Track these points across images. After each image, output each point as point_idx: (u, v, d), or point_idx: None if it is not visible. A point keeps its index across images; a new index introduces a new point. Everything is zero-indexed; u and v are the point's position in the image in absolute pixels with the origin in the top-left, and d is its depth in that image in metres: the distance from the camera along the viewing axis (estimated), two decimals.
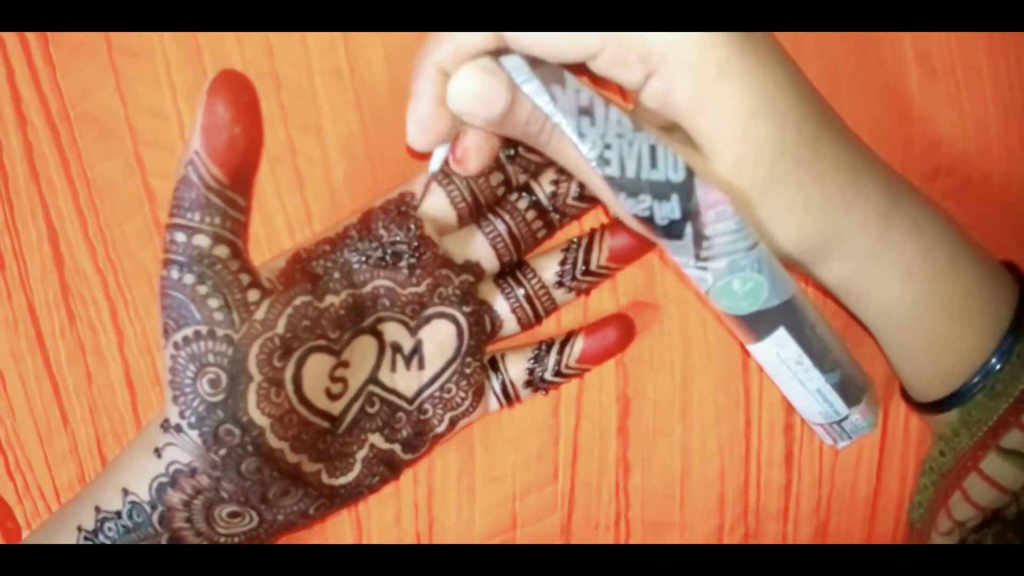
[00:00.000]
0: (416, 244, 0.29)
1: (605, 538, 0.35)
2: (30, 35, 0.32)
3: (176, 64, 0.31)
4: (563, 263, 0.32)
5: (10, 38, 0.32)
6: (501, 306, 0.32)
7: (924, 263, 0.28)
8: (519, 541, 0.35)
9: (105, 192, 0.32)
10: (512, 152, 0.31)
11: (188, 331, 0.27)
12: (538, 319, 0.32)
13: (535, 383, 0.32)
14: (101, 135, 0.32)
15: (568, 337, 0.33)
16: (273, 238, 0.32)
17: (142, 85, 0.32)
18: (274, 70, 0.32)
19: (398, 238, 0.29)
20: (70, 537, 0.29)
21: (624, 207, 0.25)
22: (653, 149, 0.25)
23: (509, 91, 0.25)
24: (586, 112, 0.24)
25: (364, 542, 0.34)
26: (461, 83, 0.24)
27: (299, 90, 0.32)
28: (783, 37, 0.33)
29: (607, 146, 0.24)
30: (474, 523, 0.34)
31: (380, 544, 0.34)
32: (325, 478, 0.29)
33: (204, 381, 0.27)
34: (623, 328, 0.33)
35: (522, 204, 0.31)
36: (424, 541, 0.34)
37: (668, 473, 0.35)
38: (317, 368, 0.28)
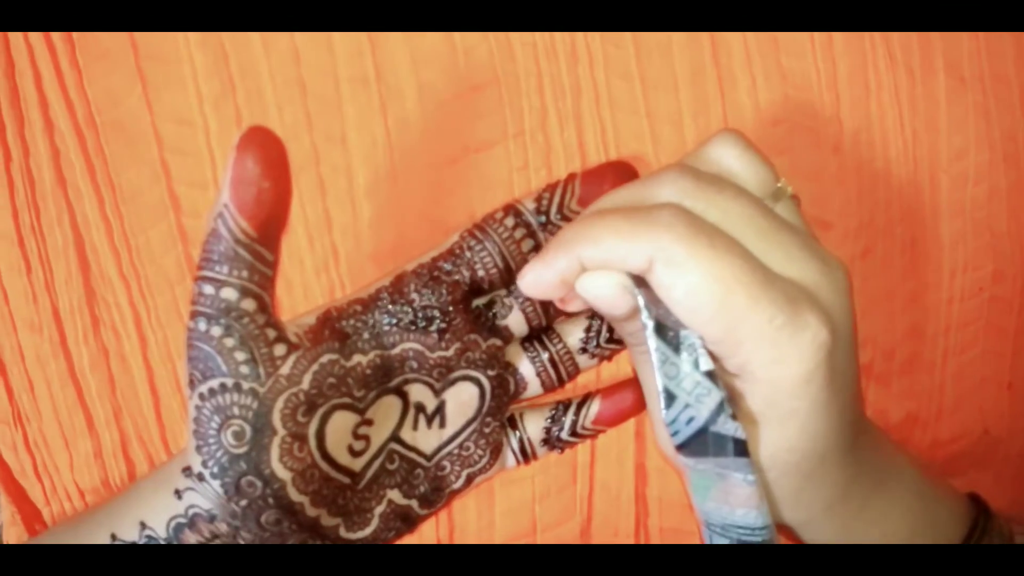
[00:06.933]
0: (448, 309, 0.30)
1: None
2: (57, 40, 0.32)
3: (203, 71, 0.31)
4: (588, 330, 0.32)
5: (38, 43, 0.32)
6: (526, 368, 0.32)
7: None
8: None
9: (130, 198, 0.32)
10: (543, 219, 0.31)
11: (214, 383, 0.27)
12: (561, 383, 0.32)
13: (551, 442, 0.33)
14: (127, 141, 0.32)
15: (585, 398, 0.33)
16: (293, 247, 0.32)
17: (168, 92, 0.32)
18: (300, 77, 0.32)
19: (430, 302, 0.29)
20: None
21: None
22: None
23: (631, 309, 0.26)
24: (673, 376, 0.26)
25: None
26: (598, 283, 0.26)
27: (325, 98, 0.32)
28: (817, 37, 0.33)
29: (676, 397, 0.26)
30: (494, 527, 0.34)
31: (394, 544, 0.34)
32: (343, 532, 0.29)
33: (228, 433, 0.27)
34: (639, 392, 0.32)
35: None
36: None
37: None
38: (341, 425, 0.28)
